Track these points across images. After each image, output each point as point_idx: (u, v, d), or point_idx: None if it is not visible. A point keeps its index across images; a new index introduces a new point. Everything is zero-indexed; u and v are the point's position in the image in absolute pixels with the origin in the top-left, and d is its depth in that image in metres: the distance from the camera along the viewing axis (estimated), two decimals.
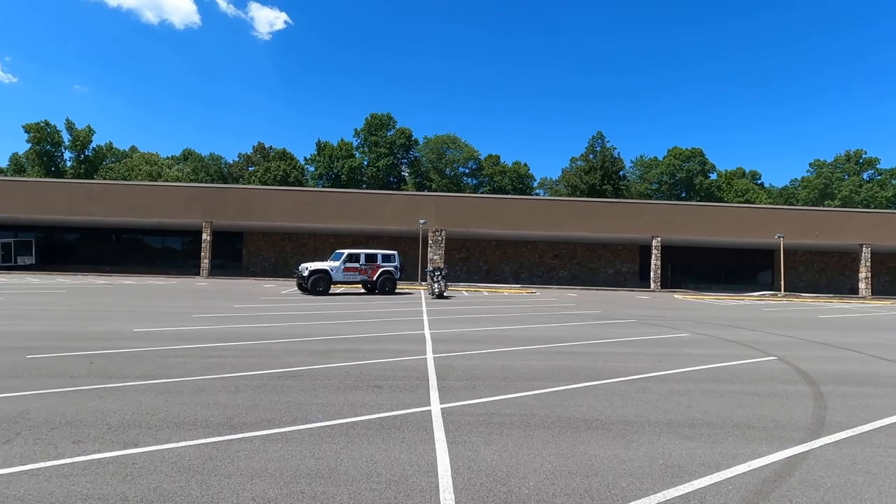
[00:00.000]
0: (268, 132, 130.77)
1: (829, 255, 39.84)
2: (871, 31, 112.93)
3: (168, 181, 59.99)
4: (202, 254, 32.99)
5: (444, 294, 21.96)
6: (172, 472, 3.52)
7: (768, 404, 5.65)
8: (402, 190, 67.47)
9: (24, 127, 66.42)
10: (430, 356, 7.96)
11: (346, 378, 6.35)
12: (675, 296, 29.41)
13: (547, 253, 39.18)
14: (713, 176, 75.76)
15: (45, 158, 67.64)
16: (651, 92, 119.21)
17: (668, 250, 36.11)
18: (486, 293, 26.38)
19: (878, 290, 36.93)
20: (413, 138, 74.32)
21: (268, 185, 60.54)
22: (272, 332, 10.11)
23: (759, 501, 3.31)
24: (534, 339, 10.22)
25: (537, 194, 76.66)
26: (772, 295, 32.15)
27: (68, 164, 69.84)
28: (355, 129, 75.15)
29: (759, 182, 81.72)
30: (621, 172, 70.06)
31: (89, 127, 69.35)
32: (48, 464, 3.61)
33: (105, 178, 63.48)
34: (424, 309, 16.25)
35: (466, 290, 27.90)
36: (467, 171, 77.04)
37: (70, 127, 68.24)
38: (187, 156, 77.91)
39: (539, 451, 4.05)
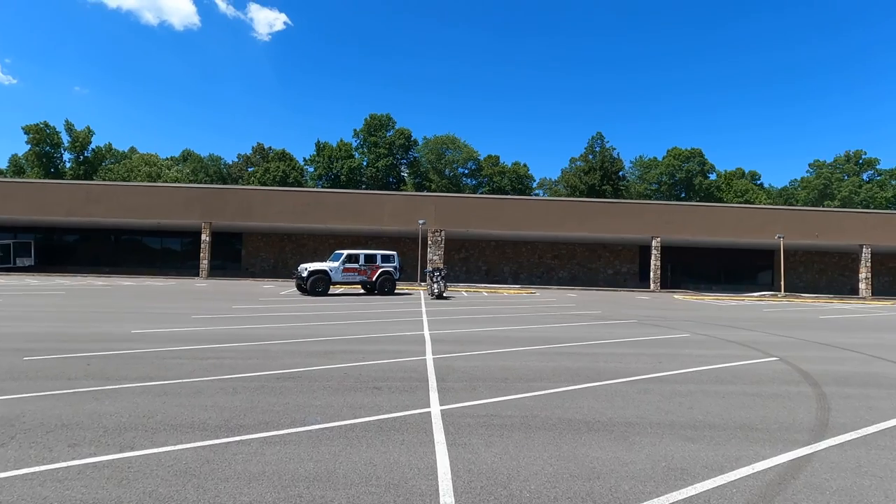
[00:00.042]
0: (267, 133, 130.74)
1: (829, 256, 39.82)
2: (870, 32, 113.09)
3: (167, 182, 59.95)
4: (201, 255, 32.93)
5: (444, 294, 21.91)
6: (169, 476, 3.47)
7: (771, 405, 5.61)
8: (402, 190, 67.43)
9: (23, 128, 66.45)
10: (429, 357, 7.91)
11: (345, 379, 6.30)
12: (675, 296, 29.37)
13: (546, 253, 39.14)
14: (712, 176, 75.78)
15: (44, 160, 67.58)
16: (650, 92, 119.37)
17: (667, 251, 36.09)
18: (486, 293, 26.33)
19: (878, 291, 36.90)
20: (412, 139, 74.32)
21: (267, 185, 60.50)
22: (271, 334, 10.06)
23: None
24: (534, 339, 10.17)
25: (537, 195, 76.69)
26: (772, 295, 32.12)
27: (67, 165, 69.79)
28: (354, 130, 75.19)
29: (759, 182, 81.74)
30: (621, 173, 70.04)
31: (88, 128, 69.35)
32: (43, 468, 3.56)
33: (104, 180, 63.40)
34: (424, 309, 16.20)
35: (466, 291, 27.86)
36: (467, 171, 77.03)
37: (69, 128, 68.22)
38: (186, 157, 77.88)
39: (540, 454, 4.00)
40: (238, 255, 38.54)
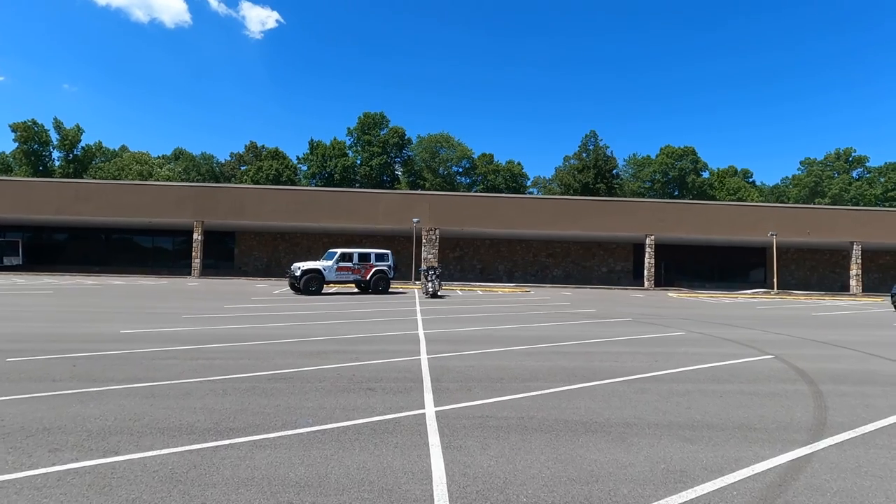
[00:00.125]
0: (260, 131, 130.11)
1: (821, 253, 40.07)
2: (861, 33, 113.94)
3: (159, 181, 59.42)
4: (193, 254, 32.63)
5: (439, 293, 21.82)
6: (153, 483, 3.35)
7: (768, 404, 5.55)
8: (396, 189, 67.22)
9: (10, 126, 65.69)
10: (424, 357, 7.81)
11: (338, 380, 6.19)
12: (669, 294, 29.43)
13: (541, 251, 39.12)
14: (705, 174, 76.15)
15: (32, 158, 66.82)
16: (643, 91, 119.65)
17: (661, 249, 36.13)
18: (481, 292, 26.26)
19: (868, 287, 37.16)
20: (406, 137, 74.13)
21: (260, 184, 60.09)
22: (263, 333, 9.92)
23: None
24: (529, 338, 10.09)
25: (531, 193, 76.70)
26: (764, 293, 32.27)
27: (56, 163, 69.05)
28: (348, 128, 74.91)
29: (751, 180, 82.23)
30: (614, 171, 70.16)
31: (78, 126, 68.65)
32: (20, 475, 3.43)
33: (94, 178, 62.76)
34: (418, 308, 16.10)
35: (461, 289, 27.77)
36: (461, 169, 76.92)
37: (58, 126, 67.47)
38: (178, 155, 77.25)
39: (537, 456, 3.91)
40: (231, 253, 38.24)
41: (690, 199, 66.47)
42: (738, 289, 35.99)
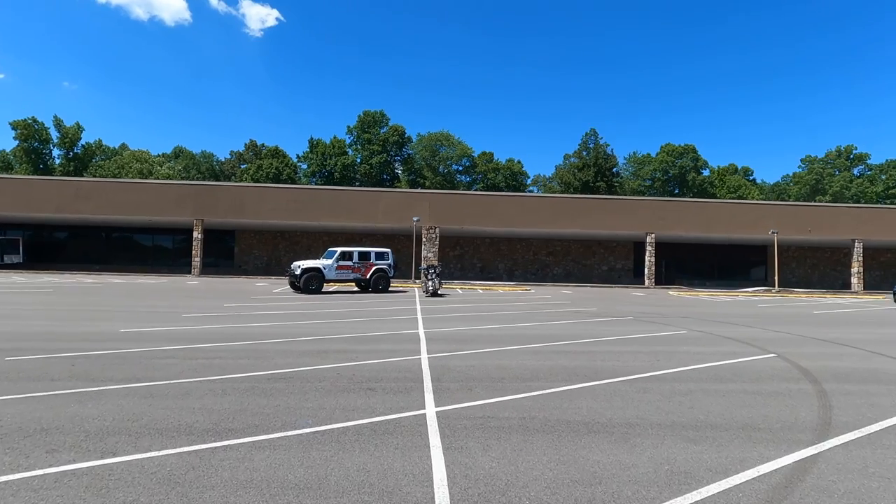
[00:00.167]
0: (260, 129, 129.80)
1: (822, 251, 40.01)
2: (862, 30, 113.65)
3: (159, 179, 59.37)
4: (193, 252, 32.59)
5: (439, 292, 21.78)
6: (151, 484, 3.31)
7: (772, 404, 5.51)
8: (396, 187, 67.15)
9: (10, 124, 65.60)
10: (424, 356, 7.77)
11: (337, 380, 6.15)
12: (670, 292, 29.39)
13: (541, 250, 39.07)
14: (706, 172, 75.97)
15: (32, 156, 66.76)
16: (644, 89, 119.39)
17: (661, 247, 36.07)
18: (481, 291, 26.22)
19: (870, 285, 37.10)
20: (406, 136, 74.01)
21: (260, 182, 60.04)
22: (263, 332, 9.88)
23: None
24: (530, 337, 10.05)
25: (531, 191, 76.58)
26: (765, 291, 32.22)
27: (57, 161, 68.99)
28: (348, 127, 74.75)
29: (752, 178, 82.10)
30: (614, 169, 70.07)
31: (78, 124, 68.57)
32: (17, 476, 3.38)
33: (94, 176, 62.68)
34: (418, 307, 16.06)
35: (461, 288, 27.73)
36: (461, 168, 76.78)
37: (58, 124, 67.41)
38: (178, 153, 77.15)
39: (539, 458, 3.87)
40: (231, 252, 38.21)
41: (691, 197, 66.36)
42: (739, 287, 35.95)
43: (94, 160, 70.66)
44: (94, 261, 36.70)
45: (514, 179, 74.33)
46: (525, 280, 37.33)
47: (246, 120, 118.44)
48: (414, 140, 75.42)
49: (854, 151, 75.79)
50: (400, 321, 12.24)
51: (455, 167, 76.62)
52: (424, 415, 4.86)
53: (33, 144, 66.84)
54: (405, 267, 32.94)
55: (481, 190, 69.10)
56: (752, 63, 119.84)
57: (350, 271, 22.21)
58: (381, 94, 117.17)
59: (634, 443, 4.23)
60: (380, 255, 22.96)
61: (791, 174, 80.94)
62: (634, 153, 78.82)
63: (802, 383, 6.55)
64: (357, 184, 68.88)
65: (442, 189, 61.91)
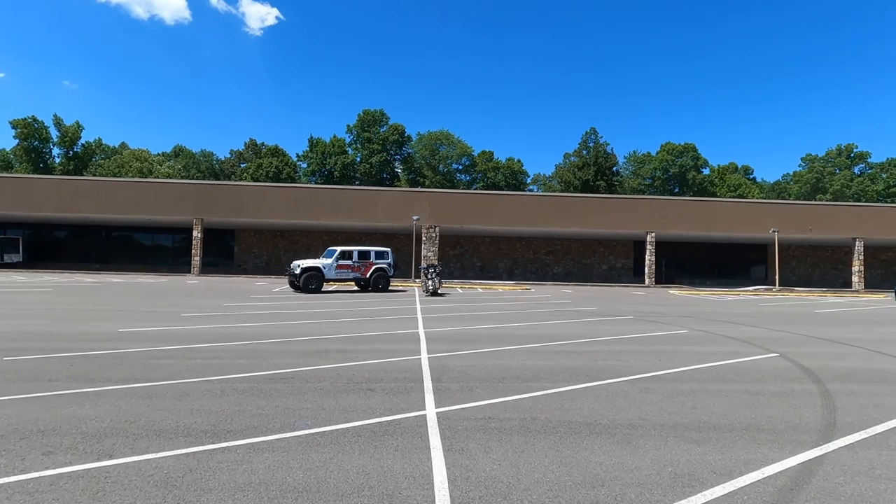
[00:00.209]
0: (259, 128, 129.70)
1: (822, 249, 39.95)
2: (862, 28, 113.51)
3: (159, 178, 59.29)
4: (193, 251, 32.54)
5: (439, 291, 21.73)
6: (148, 488, 3.26)
7: (775, 404, 5.46)
8: (396, 186, 67.08)
9: (10, 123, 65.49)
10: (424, 356, 7.73)
11: (337, 380, 6.10)
12: (671, 291, 29.34)
13: (541, 249, 39.02)
14: (706, 171, 75.87)
15: (32, 155, 66.69)
16: (644, 88, 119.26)
17: (661, 246, 36.02)
18: (481, 290, 26.17)
19: (871, 284, 37.05)
20: (406, 134, 73.92)
21: (260, 181, 59.96)
22: (262, 332, 9.83)
23: None
24: (530, 337, 10.01)
25: (531, 190, 76.54)
26: (766, 290, 32.17)
27: (57, 160, 68.91)
28: (348, 126, 74.66)
29: (752, 177, 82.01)
30: (615, 168, 69.99)
31: (78, 123, 68.51)
32: (12, 479, 3.34)
33: (94, 175, 62.59)
34: (418, 307, 16.01)
35: (461, 287, 27.68)
36: (461, 167, 76.68)
37: (58, 123, 67.33)
38: (178, 152, 77.07)
39: (541, 460, 3.82)
40: (231, 251, 38.16)
41: (691, 195, 66.25)
42: (739, 286, 35.90)
43: (94, 159, 70.58)
44: (94, 260, 36.66)
45: (513, 178, 74.23)
46: (525, 279, 37.29)
47: (246, 119, 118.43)
48: (414, 139, 75.35)
49: (855, 150, 75.67)
50: (400, 321, 12.20)
51: (455, 166, 76.55)
52: (425, 416, 4.81)
53: (33, 143, 66.77)
54: (405, 266, 32.90)
55: (481, 189, 69.04)
56: (752, 62, 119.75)
57: (350, 270, 22.16)
58: (380, 93, 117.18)
59: (637, 444, 4.19)
60: (379, 255, 22.92)
61: (791, 173, 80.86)
62: (634, 152, 78.78)
63: (806, 383, 6.50)
64: (357, 183, 68.80)
65: (442, 188, 61.83)
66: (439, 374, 6.56)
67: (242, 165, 73.13)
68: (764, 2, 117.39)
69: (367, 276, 22.38)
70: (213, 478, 3.42)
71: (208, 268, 34.92)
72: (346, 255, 22.16)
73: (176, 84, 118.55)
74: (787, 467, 3.78)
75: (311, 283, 20.90)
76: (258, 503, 3.09)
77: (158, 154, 74.72)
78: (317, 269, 21.30)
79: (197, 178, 66.56)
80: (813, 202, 46.52)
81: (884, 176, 72.33)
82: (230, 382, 5.90)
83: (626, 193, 66.43)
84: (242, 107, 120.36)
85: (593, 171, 65.88)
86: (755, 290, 31.20)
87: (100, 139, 73.61)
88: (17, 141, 66.52)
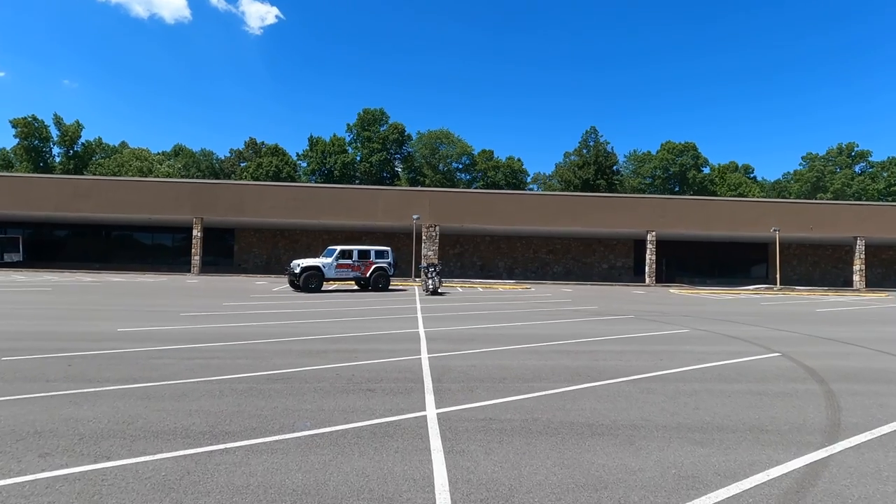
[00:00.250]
0: (259, 128, 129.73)
1: (823, 248, 39.89)
2: (863, 27, 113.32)
3: (159, 177, 59.22)
4: (193, 250, 32.49)
5: (439, 290, 21.68)
6: (145, 490, 3.22)
7: (779, 405, 5.42)
8: (396, 185, 67.01)
9: (11, 122, 65.42)
10: (424, 356, 7.68)
11: (337, 381, 6.06)
12: (671, 290, 29.29)
13: (541, 248, 38.97)
14: (706, 170, 75.78)
15: (32, 154, 66.63)
16: (644, 87, 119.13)
17: (662, 245, 35.96)
18: (481, 289, 26.13)
19: (872, 283, 37.01)
20: (406, 133, 73.84)
21: (260, 180, 59.91)
22: (261, 332, 9.79)
23: None
24: (531, 336, 9.96)
25: (531, 189, 76.47)
26: (767, 288, 32.12)
27: (57, 159, 68.85)
28: (348, 125, 74.56)
29: (752, 176, 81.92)
30: (615, 167, 69.91)
31: (78, 122, 68.47)
32: (8, 481, 3.29)
33: (94, 174, 62.53)
34: (419, 306, 15.97)
35: (461, 286, 27.64)
36: (461, 166, 76.61)
37: (58, 122, 67.27)
38: (178, 151, 76.99)
39: (543, 462, 3.78)
40: (230, 250, 38.12)
41: (691, 194, 66.21)
42: (740, 285, 35.84)
43: (94, 158, 70.52)
44: (94, 259, 36.63)
45: (514, 177, 74.16)
46: (525, 278, 37.25)
47: (246, 118, 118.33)
48: (414, 138, 75.27)
49: (855, 149, 75.57)
50: (400, 320, 12.16)
51: (455, 165, 76.48)
52: (425, 417, 4.77)
53: (33, 142, 66.72)
54: (405, 265, 32.86)
55: (481, 188, 68.98)
56: (752, 60, 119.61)
57: (350, 270, 22.12)
58: (380, 92, 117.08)
59: (640, 445, 4.14)
60: (379, 254, 22.87)
61: (792, 172, 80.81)
62: (635, 151, 78.69)
63: (809, 383, 6.45)
64: (357, 182, 68.74)
65: (442, 187, 61.74)
66: (440, 374, 6.51)
67: (242, 164, 73.08)
68: (764, 0, 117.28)
69: (367, 275, 22.34)
70: (210, 480, 3.38)
71: (208, 267, 34.88)
72: (346, 255, 22.12)
73: (176, 83, 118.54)
74: (792, 469, 3.73)
75: (310, 282, 20.85)
76: None
77: (158, 153, 74.70)
78: (317, 268, 21.25)
79: (197, 178, 66.50)
80: (814, 201, 46.40)
81: (885, 175, 72.23)
82: (229, 383, 5.86)
83: (626, 192, 66.33)
84: (242, 106, 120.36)
85: (593, 170, 65.81)
86: (756, 289, 31.15)
87: (100, 138, 73.62)
88: (17, 140, 66.49)
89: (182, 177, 64.71)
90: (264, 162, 67.37)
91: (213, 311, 13.09)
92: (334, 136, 72.09)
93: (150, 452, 3.82)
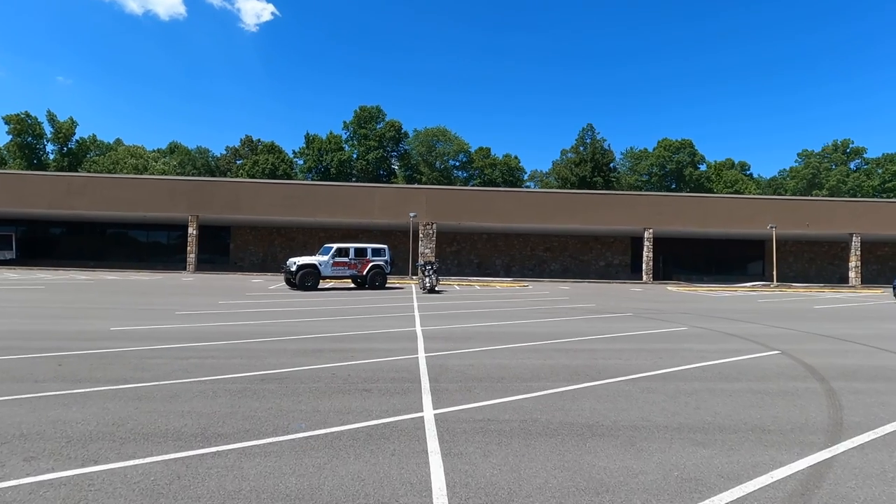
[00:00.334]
0: (255, 125, 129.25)
1: (819, 245, 39.98)
2: (858, 24, 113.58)
3: (154, 174, 58.88)
4: (188, 248, 32.31)
5: (436, 288, 21.59)
6: (133, 496, 3.12)
7: (780, 404, 5.35)
8: (392, 183, 66.82)
9: (4, 118, 64.86)
10: (421, 355, 7.59)
11: (332, 381, 5.96)
12: (668, 287, 29.27)
13: (538, 246, 38.92)
14: (703, 167, 75.89)
15: (26, 151, 66.12)
16: (640, 84, 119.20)
17: (659, 242, 35.97)
18: (478, 287, 26.05)
19: (867, 279, 37.11)
20: (403, 131, 73.61)
21: (256, 178, 59.61)
22: (256, 331, 9.68)
23: None
24: (529, 335, 9.88)
25: (528, 187, 76.44)
26: (763, 285, 32.15)
27: (51, 156, 68.38)
28: (344, 122, 74.35)
29: (748, 173, 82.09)
30: (612, 164, 69.83)
31: (72, 119, 67.95)
32: None
33: (89, 172, 62.11)
34: (416, 304, 15.88)
35: (458, 284, 27.55)
36: (457, 163, 76.49)
37: (52, 119, 66.76)
38: (174, 149, 76.62)
39: (543, 464, 3.69)
40: (226, 248, 37.93)
41: (688, 192, 66.27)
42: (737, 282, 35.88)
43: (88, 155, 70.08)
44: (89, 257, 36.39)
45: (510, 175, 74.08)
46: (522, 276, 37.19)
47: (242, 115, 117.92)
48: (410, 135, 75.07)
49: (851, 145, 75.81)
50: (397, 318, 12.06)
51: (452, 163, 76.34)
52: (422, 418, 4.68)
53: (27, 139, 66.20)
54: (402, 263, 32.75)
55: (478, 185, 68.84)
56: (748, 58, 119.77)
57: (346, 268, 22.00)
58: (377, 90, 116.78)
59: (641, 447, 4.06)
60: (376, 252, 22.76)
61: (788, 169, 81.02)
62: (631, 148, 78.75)
63: (810, 381, 6.39)
64: (353, 179, 68.52)
65: (439, 185, 61.62)
66: (437, 373, 6.42)
67: (238, 162, 72.72)
68: None
69: (364, 273, 22.23)
70: (201, 485, 3.28)
71: (204, 265, 34.70)
72: (342, 253, 22.00)
73: (171, 80, 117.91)
74: (796, 470, 3.66)
75: (307, 280, 20.73)
76: None
77: (154, 151, 74.30)
78: (313, 266, 21.13)
79: (192, 175, 66.14)
80: (810, 198, 46.46)
81: (879, 171, 72.49)
82: (223, 383, 5.75)
83: (623, 190, 66.36)
84: (238, 103, 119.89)
85: (590, 168, 65.75)
86: (753, 286, 31.17)
87: (94, 135, 73.22)
88: (10, 137, 65.96)
89: (178, 174, 64.35)
90: (260, 159, 67.04)
91: (209, 310, 12.96)
92: (331, 133, 71.89)
93: (139, 456, 3.71)
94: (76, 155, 68.60)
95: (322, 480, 3.37)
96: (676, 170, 72.73)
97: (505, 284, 27.84)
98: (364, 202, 32.64)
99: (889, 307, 18.68)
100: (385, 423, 4.52)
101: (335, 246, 22.18)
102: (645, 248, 33.90)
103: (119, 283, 22.14)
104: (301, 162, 72.78)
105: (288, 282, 21.57)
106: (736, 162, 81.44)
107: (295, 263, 21.06)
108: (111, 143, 75.30)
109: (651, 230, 33.58)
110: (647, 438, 4.25)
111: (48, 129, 67.32)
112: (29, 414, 4.58)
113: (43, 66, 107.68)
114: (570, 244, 38.95)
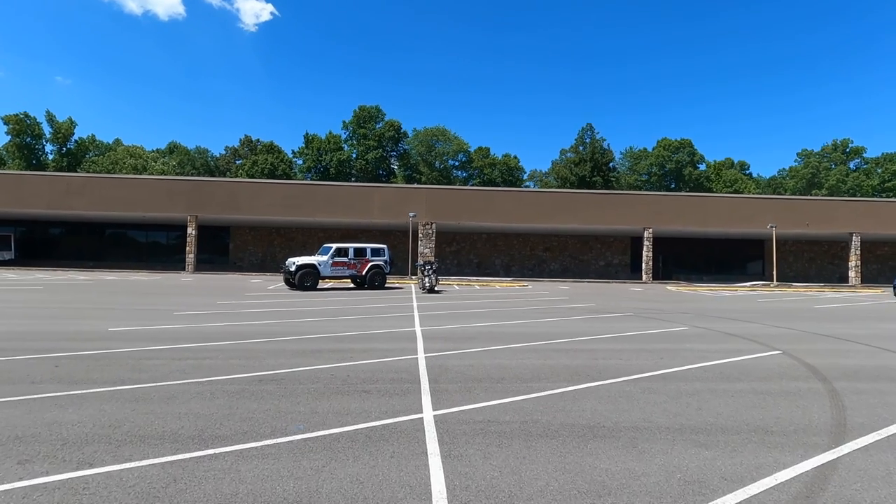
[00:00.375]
0: (255, 125, 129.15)
1: (819, 245, 39.95)
2: (858, 24, 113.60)
3: (153, 174, 58.79)
4: (187, 248, 32.24)
5: (436, 288, 21.55)
6: (128, 500, 3.07)
7: (783, 404, 5.31)
8: (392, 183, 66.76)
9: (2, 118, 64.72)
10: (421, 356, 7.54)
11: (331, 381, 5.91)
12: (668, 287, 29.24)
13: (538, 245, 38.87)
14: (702, 167, 75.88)
15: (25, 151, 66.01)
16: (640, 84, 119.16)
17: (658, 241, 35.93)
18: (478, 287, 26.00)
19: (867, 279, 37.08)
20: (402, 131, 73.55)
21: (255, 178, 59.55)
22: (256, 331, 9.63)
23: None
24: (529, 335, 9.84)
25: (527, 186, 76.39)
26: (763, 285, 32.12)
27: (50, 157, 68.27)
28: (343, 122, 74.25)
29: (748, 172, 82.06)
30: (611, 164, 69.84)
31: (70, 119, 67.83)
32: None
33: (88, 172, 62.00)
34: (415, 304, 15.83)
35: (458, 284, 27.51)
36: (457, 163, 76.43)
37: (50, 119, 66.65)
38: (173, 149, 76.51)
39: (544, 466, 3.65)
40: (226, 248, 37.85)
41: (687, 191, 66.23)
42: (737, 281, 35.85)
43: (87, 156, 69.98)
44: (88, 257, 36.30)
45: (510, 175, 74.04)
46: (522, 276, 37.15)
47: (241, 115, 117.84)
48: (410, 135, 75.02)
49: (850, 145, 75.82)
50: (396, 319, 12.02)
51: (451, 162, 76.28)
52: (422, 419, 4.63)
53: (25, 140, 66.09)
54: (401, 263, 32.70)
55: (478, 185, 68.79)
56: (748, 57, 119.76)
57: (346, 268, 21.95)
58: (376, 89, 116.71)
59: (643, 448, 4.02)
60: (376, 252, 22.71)
61: (787, 168, 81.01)
62: (631, 148, 78.73)
63: (812, 382, 6.35)
64: (353, 179, 68.46)
65: (438, 184, 61.57)
66: (437, 374, 6.38)
67: (238, 162, 72.66)
68: None
69: (364, 273, 22.18)
70: (198, 488, 3.23)
71: (203, 265, 34.63)
72: (341, 253, 21.95)
73: (170, 80, 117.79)
74: (800, 472, 3.62)
75: (306, 280, 20.68)
76: None
77: (153, 151, 74.20)
78: (312, 266, 21.08)
79: (192, 175, 66.06)
80: (809, 197, 46.45)
81: (879, 171, 72.50)
82: (221, 384, 5.71)
83: (622, 189, 66.33)
84: (237, 103, 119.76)
85: (590, 167, 65.74)
86: (752, 286, 31.14)
87: (93, 136, 73.13)
88: (9, 137, 65.86)
89: (177, 174, 64.26)
90: (259, 159, 66.98)
91: (207, 310, 12.91)
92: (330, 133, 71.83)
93: (135, 458, 3.67)
94: (75, 155, 68.50)
95: (320, 483, 3.32)
96: (676, 169, 72.72)
97: (504, 284, 27.80)
98: (363, 202, 32.58)
99: (889, 307, 18.64)
100: (384, 424, 4.47)
101: (334, 246, 22.13)
102: (644, 248, 33.86)
103: (118, 284, 22.08)
104: (300, 162, 72.71)
105: (287, 282, 21.52)
106: (735, 161, 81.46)
107: (294, 263, 21.01)
108: (110, 143, 75.23)
109: (651, 230, 33.54)
110: (648, 440, 4.21)
111: (47, 130, 67.25)
112: (24, 416, 4.54)
113: (42, 66, 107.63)
114: (569, 244, 38.91)
